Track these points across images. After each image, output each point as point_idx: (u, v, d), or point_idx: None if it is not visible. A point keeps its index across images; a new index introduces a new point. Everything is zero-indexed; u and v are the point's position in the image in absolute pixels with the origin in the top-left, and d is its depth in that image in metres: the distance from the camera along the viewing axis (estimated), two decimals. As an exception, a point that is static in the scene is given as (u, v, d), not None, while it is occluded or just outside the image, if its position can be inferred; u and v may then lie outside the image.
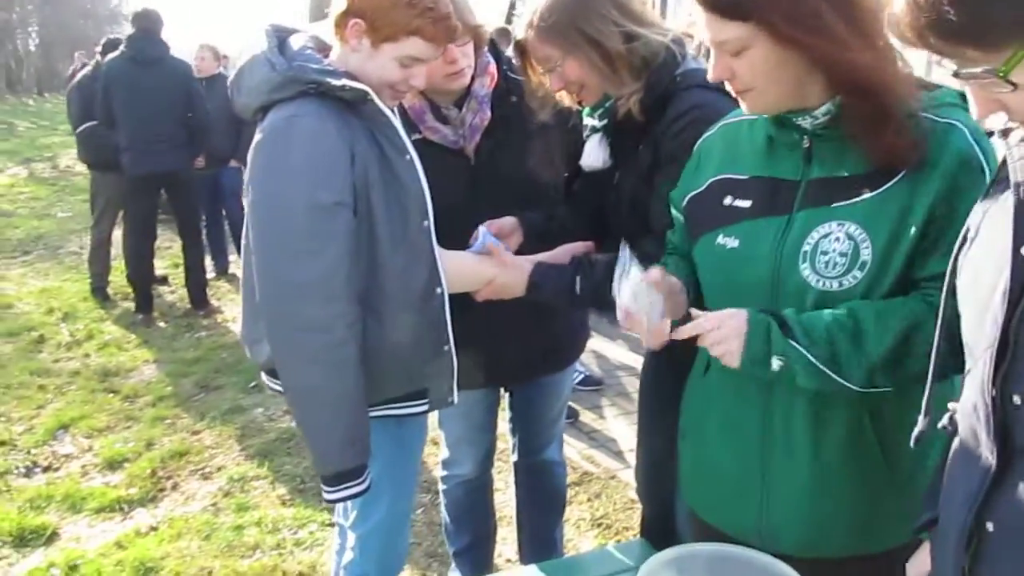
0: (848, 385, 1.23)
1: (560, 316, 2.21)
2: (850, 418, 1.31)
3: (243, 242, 1.72)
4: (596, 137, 1.82)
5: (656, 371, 2.13)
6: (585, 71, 1.70)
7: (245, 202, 1.64)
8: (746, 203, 1.37)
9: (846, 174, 1.27)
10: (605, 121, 1.79)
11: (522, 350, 2.19)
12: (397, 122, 1.67)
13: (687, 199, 1.51)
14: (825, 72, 1.23)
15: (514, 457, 2.54)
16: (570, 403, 4.20)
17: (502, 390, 2.44)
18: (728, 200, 1.40)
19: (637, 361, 4.73)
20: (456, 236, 1.80)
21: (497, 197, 1.96)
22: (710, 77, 1.32)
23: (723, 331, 1.27)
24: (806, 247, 1.27)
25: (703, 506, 1.56)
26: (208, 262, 6.57)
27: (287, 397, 1.69)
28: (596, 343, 5.20)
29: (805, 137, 1.31)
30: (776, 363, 1.24)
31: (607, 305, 1.64)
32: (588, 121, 1.84)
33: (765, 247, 1.32)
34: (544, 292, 1.76)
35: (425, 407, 1.81)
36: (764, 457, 1.39)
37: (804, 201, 1.31)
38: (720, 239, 1.39)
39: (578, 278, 1.72)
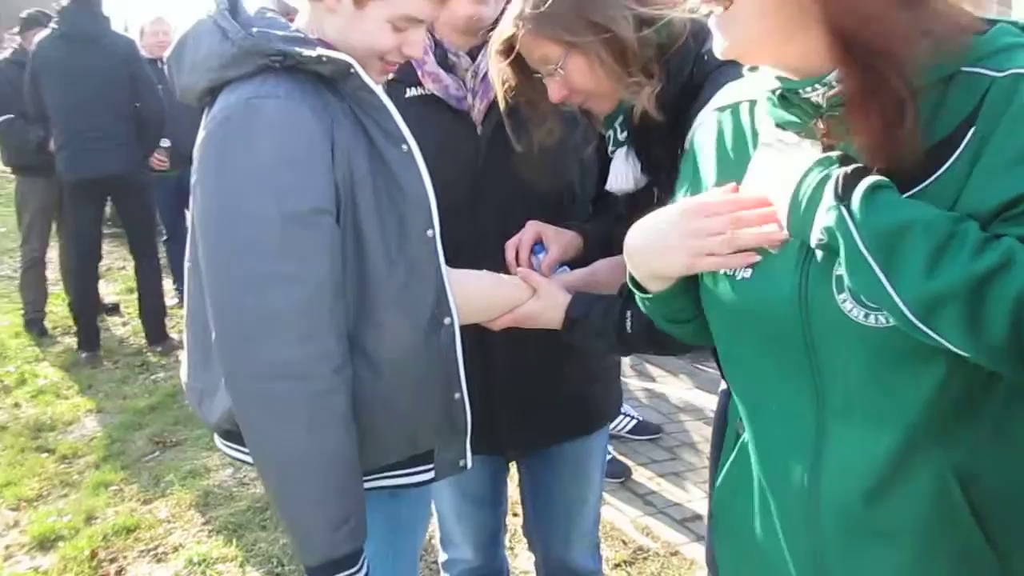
0: (896, 300, 1.04)
1: (580, 352, 1.98)
2: (929, 486, 1.16)
3: (187, 265, 1.65)
4: (621, 153, 1.77)
5: (733, 415, 2.04)
6: (594, 72, 1.64)
7: (192, 213, 1.57)
8: None
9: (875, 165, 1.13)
10: (627, 132, 1.74)
11: (521, 403, 2.02)
12: (389, 102, 1.61)
13: None
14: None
15: (535, 555, 2.40)
16: (620, 457, 4.18)
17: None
18: None
19: (708, 401, 4.60)
20: (460, 237, 1.72)
21: (505, 185, 1.90)
22: None
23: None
24: (839, 270, 1.13)
25: None
26: (169, 286, 6.59)
27: (257, 466, 1.63)
28: (653, 380, 5.10)
29: (819, 120, 1.17)
30: (817, 232, 1.09)
31: (665, 346, 1.56)
32: (607, 134, 1.79)
33: (785, 277, 1.20)
34: (585, 331, 1.73)
35: (430, 475, 1.74)
36: (817, 545, 1.25)
37: None
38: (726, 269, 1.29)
39: (629, 313, 1.67)
